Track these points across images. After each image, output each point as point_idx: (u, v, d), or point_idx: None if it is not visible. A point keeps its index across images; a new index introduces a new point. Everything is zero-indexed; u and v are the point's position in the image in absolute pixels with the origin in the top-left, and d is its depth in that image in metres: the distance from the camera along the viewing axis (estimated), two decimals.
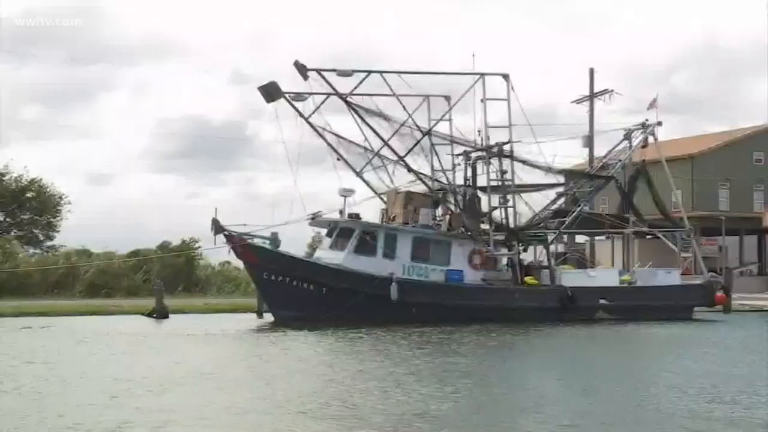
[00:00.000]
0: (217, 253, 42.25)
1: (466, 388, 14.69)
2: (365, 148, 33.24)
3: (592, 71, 48.03)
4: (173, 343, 23.10)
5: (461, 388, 14.67)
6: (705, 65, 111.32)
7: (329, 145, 32.50)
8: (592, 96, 47.57)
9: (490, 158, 34.14)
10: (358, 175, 33.36)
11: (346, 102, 32.42)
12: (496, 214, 34.52)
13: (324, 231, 34.26)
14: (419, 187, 34.12)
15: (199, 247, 47.07)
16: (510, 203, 33.89)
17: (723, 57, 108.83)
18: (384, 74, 33.08)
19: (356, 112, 32.51)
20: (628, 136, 36.47)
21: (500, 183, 34.04)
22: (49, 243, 55.58)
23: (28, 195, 55.52)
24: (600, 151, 43.28)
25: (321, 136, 32.28)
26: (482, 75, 33.39)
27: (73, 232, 59.19)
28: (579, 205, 35.97)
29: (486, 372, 17.07)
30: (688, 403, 13.16)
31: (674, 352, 21.50)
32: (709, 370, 17.40)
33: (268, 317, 31.74)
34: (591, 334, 26.68)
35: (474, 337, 24.83)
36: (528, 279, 33.42)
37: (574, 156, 44.27)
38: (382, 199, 34.29)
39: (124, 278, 46.02)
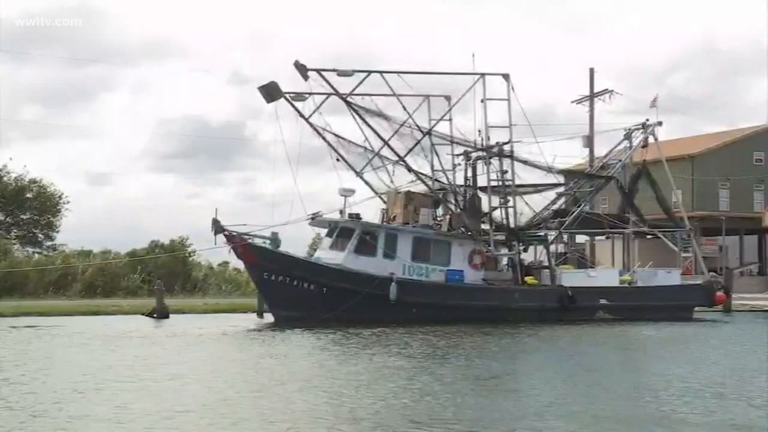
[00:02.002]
0: (216, 254, 42.35)
1: (414, 389, 14.45)
2: (365, 148, 33.22)
3: (592, 71, 48.04)
4: (149, 344, 22.85)
5: (412, 389, 14.47)
6: (704, 65, 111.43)
7: (329, 145, 32.48)
8: (592, 96, 47.57)
9: (490, 158, 34.12)
10: (358, 175, 33.33)
11: (346, 102, 32.39)
12: (497, 214, 34.51)
13: (324, 231, 34.19)
14: (419, 187, 34.10)
15: (191, 245, 47.27)
16: (510, 203, 33.89)
17: (722, 57, 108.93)
18: (384, 74, 33.07)
19: (356, 112, 32.48)
20: (628, 136, 36.49)
21: (500, 183, 34.02)
22: (49, 243, 55.59)
23: (28, 195, 55.50)
24: (600, 151, 43.40)
25: (321, 136, 32.26)
26: (482, 75, 33.37)
27: (73, 232, 59.33)
28: (579, 205, 35.98)
29: (454, 374, 16.69)
30: (657, 407, 13.02)
31: (666, 353, 21.45)
32: (697, 370, 17.28)
33: (269, 317, 31.70)
34: (588, 334, 26.53)
35: (468, 337, 24.64)
36: (528, 279, 33.41)
37: (574, 156, 44.32)
38: (382, 199, 34.25)
39: (123, 278, 46.06)
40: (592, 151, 45.80)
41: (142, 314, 33.06)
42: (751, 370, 17.51)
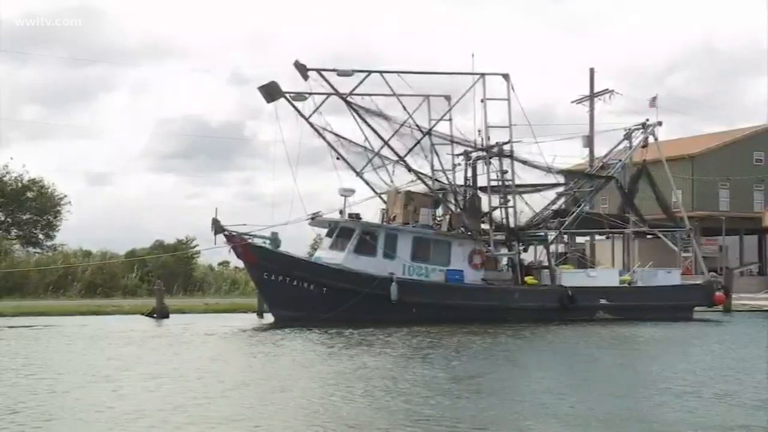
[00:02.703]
0: (216, 254, 42.35)
1: (389, 389, 14.39)
2: (365, 148, 33.21)
3: (592, 71, 48.00)
4: (138, 343, 22.73)
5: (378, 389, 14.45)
6: (704, 66, 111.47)
7: (329, 145, 32.46)
8: (592, 96, 47.54)
9: (490, 158, 34.12)
10: (359, 175, 33.31)
11: (346, 102, 32.39)
12: (497, 214, 34.51)
13: (324, 231, 34.19)
14: (419, 187, 34.09)
15: (196, 245, 47.26)
16: (510, 203, 33.89)
17: (721, 57, 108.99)
18: (384, 74, 33.07)
19: (356, 112, 32.48)
20: (628, 136, 36.49)
21: (500, 183, 34.02)
22: (49, 243, 55.53)
23: (28, 195, 55.43)
24: (600, 151, 43.38)
25: (321, 136, 32.24)
26: (482, 75, 33.37)
27: (73, 232, 59.32)
28: (579, 205, 35.97)
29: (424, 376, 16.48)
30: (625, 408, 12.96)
31: (655, 353, 21.43)
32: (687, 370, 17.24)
33: (269, 317, 31.68)
34: (581, 334, 26.40)
35: (462, 337, 24.47)
36: (528, 279, 33.41)
37: (574, 156, 44.32)
38: (382, 199, 34.25)
39: (123, 278, 46.04)
40: (592, 151, 45.76)
41: (142, 314, 33.07)
42: (732, 369, 17.51)
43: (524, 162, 33.72)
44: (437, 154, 34.30)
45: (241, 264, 36.21)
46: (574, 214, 35.47)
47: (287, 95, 31.69)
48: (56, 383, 15.13)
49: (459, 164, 34.77)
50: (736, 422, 11.83)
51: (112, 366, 17.55)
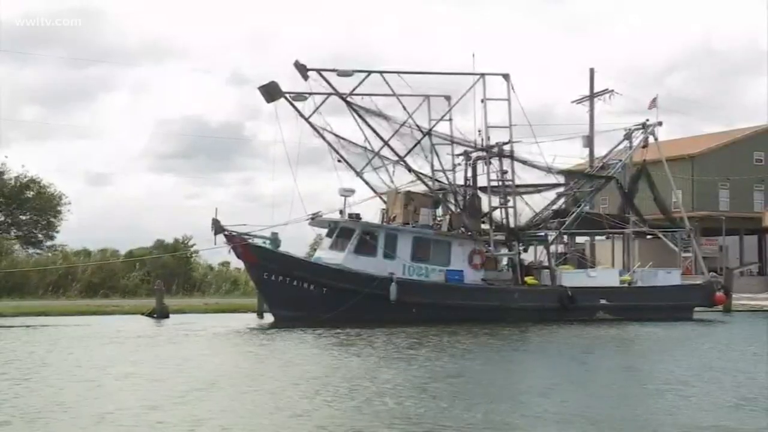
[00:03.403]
0: (216, 254, 42.33)
1: (358, 389, 14.37)
2: (365, 148, 33.21)
3: (592, 71, 48.05)
4: (128, 343, 22.72)
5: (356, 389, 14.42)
6: (703, 66, 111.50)
7: (329, 145, 32.48)
8: (592, 96, 47.56)
9: (490, 158, 34.13)
10: (358, 175, 33.33)
11: (346, 102, 32.39)
12: (497, 214, 34.51)
13: (324, 231, 34.19)
14: (419, 187, 34.10)
15: (194, 245, 47.29)
16: (510, 203, 33.90)
17: (721, 57, 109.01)
18: (384, 74, 33.06)
19: (356, 112, 32.48)
20: (628, 136, 36.49)
21: (500, 183, 34.02)
22: (49, 243, 55.47)
23: (28, 195, 55.37)
24: (600, 151, 43.41)
25: (321, 136, 32.26)
26: (482, 75, 33.37)
27: (73, 232, 59.24)
28: (579, 205, 35.97)
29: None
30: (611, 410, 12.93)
31: (644, 353, 21.43)
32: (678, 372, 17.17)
33: (270, 317, 31.68)
34: (581, 334, 26.37)
35: (454, 338, 24.35)
36: (528, 279, 33.41)
37: (574, 156, 44.32)
38: (382, 199, 34.25)
39: (123, 278, 46.01)
40: (592, 151, 45.80)
41: (142, 314, 33.07)
42: (713, 369, 17.50)
43: (524, 162, 33.72)
44: (437, 155, 34.30)
45: (241, 264, 36.25)
46: (574, 214, 35.48)
47: (287, 95, 31.68)
48: (39, 382, 15.07)
49: (459, 164, 34.81)
50: (707, 421, 11.86)
51: (104, 365, 17.55)
